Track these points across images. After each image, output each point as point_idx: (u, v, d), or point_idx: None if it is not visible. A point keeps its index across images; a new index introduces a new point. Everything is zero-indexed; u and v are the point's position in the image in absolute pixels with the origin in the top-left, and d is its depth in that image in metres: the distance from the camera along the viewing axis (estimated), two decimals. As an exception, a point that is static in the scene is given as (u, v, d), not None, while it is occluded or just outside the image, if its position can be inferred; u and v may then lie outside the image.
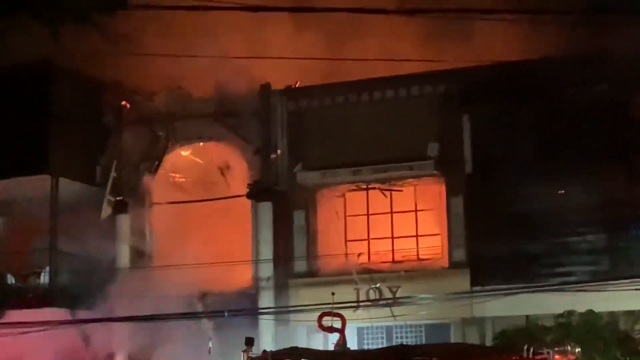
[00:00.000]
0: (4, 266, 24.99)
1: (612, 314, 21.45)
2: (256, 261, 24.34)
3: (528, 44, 22.67)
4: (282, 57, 21.91)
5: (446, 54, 22.98)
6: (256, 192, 24.67)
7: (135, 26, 24.09)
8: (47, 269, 24.71)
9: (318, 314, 18.52)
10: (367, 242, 24.38)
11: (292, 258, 24.31)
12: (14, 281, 25.14)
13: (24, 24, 23.95)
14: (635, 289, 20.07)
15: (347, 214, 24.69)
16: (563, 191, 22.36)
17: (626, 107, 22.05)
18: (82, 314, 24.13)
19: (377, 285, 23.13)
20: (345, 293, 21.92)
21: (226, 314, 23.11)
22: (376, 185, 24.31)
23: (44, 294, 24.44)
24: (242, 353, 16.96)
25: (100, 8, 22.60)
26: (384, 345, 22.93)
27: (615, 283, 20.43)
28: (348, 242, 24.53)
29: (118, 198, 25.73)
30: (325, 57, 23.48)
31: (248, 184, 24.81)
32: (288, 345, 18.71)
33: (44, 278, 24.80)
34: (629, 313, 21.59)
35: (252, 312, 23.47)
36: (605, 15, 17.88)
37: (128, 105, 25.77)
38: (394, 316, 22.22)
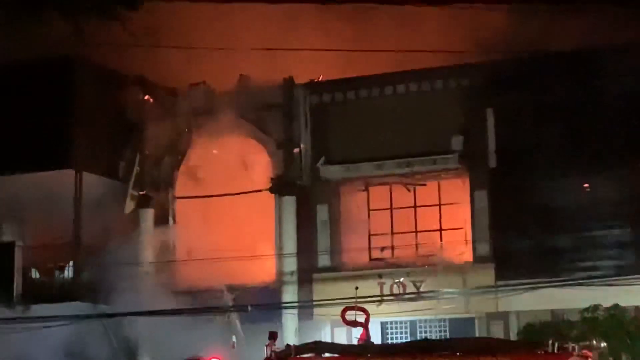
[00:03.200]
0: (28, 261, 25.06)
1: (638, 308, 21.26)
2: (280, 255, 24.32)
3: (553, 36, 22.50)
4: (304, 49, 21.84)
5: (470, 46, 22.84)
6: (279, 187, 24.66)
7: (158, 20, 24.10)
8: (71, 263, 24.77)
9: (341, 308, 18.46)
10: (390, 236, 24.30)
11: (316, 252, 24.27)
12: (38, 275, 25.23)
13: (48, 18, 24.01)
14: (662, 283, 19.92)
15: (371, 208, 24.62)
16: (588, 185, 22.19)
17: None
18: (106, 308, 24.20)
19: (401, 280, 23.03)
20: (369, 287, 21.87)
21: (250, 308, 23.13)
22: (399, 180, 24.21)
23: (68, 289, 24.50)
24: (265, 347, 16.94)
25: (124, 2, 22.61)
26: (408, 340, 22.86)
27: (642, 277, 20.30)
28: (371, 237, 24.46)
29: (141, 192, 25.78)
30: (348, 49, 23.38)
31: (271, 178, 24.79)
32: (311, 340, 18.66)
33: (68, 272, 24.87)
34: (656, 307, 21.42)
35: (276, 307, 23.46)
36: (632, 5, 17.70)
37: (151, 100, 25.79)
38: (418, 310, 22.16)
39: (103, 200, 24.94)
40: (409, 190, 24.29)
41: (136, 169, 25.72)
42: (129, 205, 25.64)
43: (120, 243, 24.48)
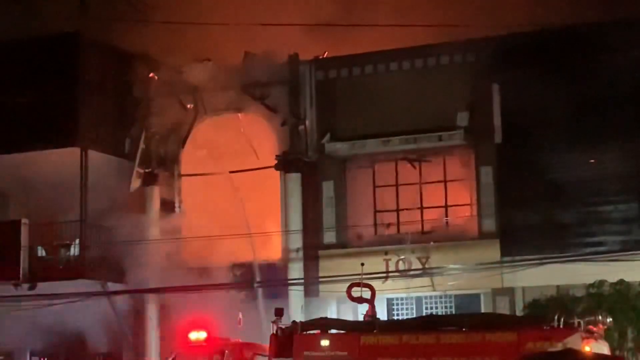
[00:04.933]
0: (34, 238, 25.11)
1: (644, 283, 21.28)
2: (285, 232, 24.34)
3: (560, 9, 22.40)
4: (309, 24, 21.76)
5: (476, 21, 22.74)
6: (285, 164, 24.64)
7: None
8: (77, 240, 24.83)
9: (347, 284, 18.50)
10: (396, 212, 24.31)
11: (321, 229, 24.28)
12: (44, 253, 25.29)
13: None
14: (667, 259, 19.92)
15: (376, 185, 24.61)
16: (594, 160, 22.14)
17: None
18: (112, 286, 24.27)
19: (407, 256, 23.04)
20: (375, 264, 21.90)
21: (255, 285, 23.20)
22: (405, 156, 24.17)
23: (74, 266, 24.57)
24: (271, 323, 17.00)
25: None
26: (414, 316, 22.91)
27: (647, 252, 20.31)
28: (377, 213, 24.46)
29: (147, 170, 25.78)
30: (353, 24, 23.31)
31: (276, 155, 24.77)
32: (317, 316, 18.72)
33: (74, 250, 24.92)
34: (661, 282, 21.41)
35: (282, 283, 23.51)
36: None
37: (156, 77, 25.74)
38: (424, 287, 22.20)
39: (109, 177, 24.95)
40: (414, 167, 24.26)
41: (141, 146, 25.71)
42: (135, 183, 25.65)
43: (126, 220, 24.53)
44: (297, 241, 24.27)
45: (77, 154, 24.73)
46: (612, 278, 20.66)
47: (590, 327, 15.62)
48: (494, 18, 22.87)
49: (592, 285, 20.79)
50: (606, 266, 20.59)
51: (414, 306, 23.90)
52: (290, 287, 23.42)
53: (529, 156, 22.43)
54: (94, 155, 24.92)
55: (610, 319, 16.40)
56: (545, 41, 22.29)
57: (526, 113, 22.54)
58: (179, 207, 26.00)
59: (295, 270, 24.06)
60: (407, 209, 24.15)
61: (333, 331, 17.01)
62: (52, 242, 25.22)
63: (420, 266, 22.84)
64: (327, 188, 24.54)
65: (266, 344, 17.54)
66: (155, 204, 25.76)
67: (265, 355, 17.87)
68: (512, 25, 22.38)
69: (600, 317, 15.97)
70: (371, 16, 24.20)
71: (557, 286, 21.89)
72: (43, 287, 23.89)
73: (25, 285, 24.33)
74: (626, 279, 20.73)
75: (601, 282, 20.71)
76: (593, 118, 21.91)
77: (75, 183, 24.61)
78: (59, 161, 24.47)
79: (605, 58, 21.77)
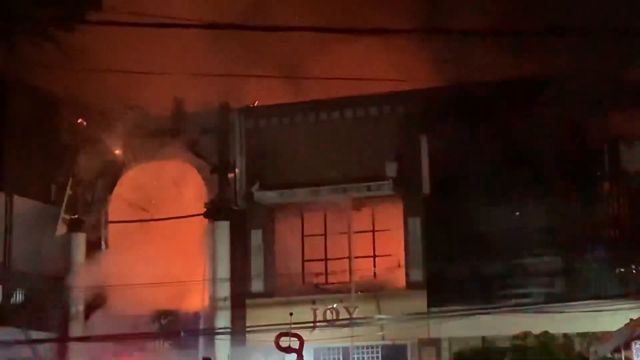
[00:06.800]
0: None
1: (566, 335, 21.57)
2: (213, 280, 24.18)
3: (486, 66, 22.85)
4: (241, 75, 21.88)
5: (407, 74, 23.07)
6: (213, 211, 24.55)
7: (93, 42, 23.90)
8: (1, 287, 24.34)
9: (275, 334, 18.45)
10: (324, 262, 24.34)
11: (249, 278, 24.19)
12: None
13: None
14: (590, 311, 20.26)
15: (305, 234, 24.65)
16: (519, 213, 22.51)
17: (583, 129, 22.30)
18: (36, 334, 23.81)
19: (334, 306, 23.08)
20: (303, 313, 21.87)
21: (182, 333, 22.98)
22: (334, 206, 24.27)
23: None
24: (198, 373, 16.88)
25: (59, 23, 22.41)
26: (341, 366, 22.91)
27: (571, 305, 20.64)
28: (305, 262, 24.48)
29: (73, 216, 25.47)
30: (285, 75, 23.47)
31: (205, 203, 24.69)
32: (245, 366, 18.63)
33: (-3, 297, 24.44)
34: (584, 335, 21.74)
35: (209, 332, 23.31)
36: (562, 38, 18.11)
37: (84, 123, 25.55)
38: (351, 337, 22.22)
39: (34, 223, 24.59)
40: (343, 217, 24.35)
41: (68, 192, 25.42)
42: (61, 229, 25.31)
43: (51, 267, 24.16)
44: (224, 289, 24.12)
45: (2, 199, 24.34)
46: (537, 330, 20.93)
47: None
48: (422, 72, 23.22)
49: (516, 336, 21.02)
50: (531, 318, 20.86)
51: (341, 356, 23.86)
52: (217, 336, 23.23)
53: (457, 208, 22.71)
54: (19, 201, 24.56)
55: (535, 370, 16.61)
56: (473, 95, 22.71)
57: (454, 165, 22.87)
58: (106, 253, 25.69)
59: (222, 319, 23.89)
60: (335, 259, 24.22)
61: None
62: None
63: (347, 316, 22.86)
64: (256, 236, 24.52)
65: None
66: (81, 251, 25.41)
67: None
68: (440, 79, 22.75)
69: (524, 368, 16.17)
70: (304, 68, 24.40)
71: (483, 337, 22.09)
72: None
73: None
74: (550, 331, 21.01)
75: (526, 334, 20.95)
76: (519, 172, 22.32)
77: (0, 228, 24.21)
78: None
79: (532, 113, 22.27)
